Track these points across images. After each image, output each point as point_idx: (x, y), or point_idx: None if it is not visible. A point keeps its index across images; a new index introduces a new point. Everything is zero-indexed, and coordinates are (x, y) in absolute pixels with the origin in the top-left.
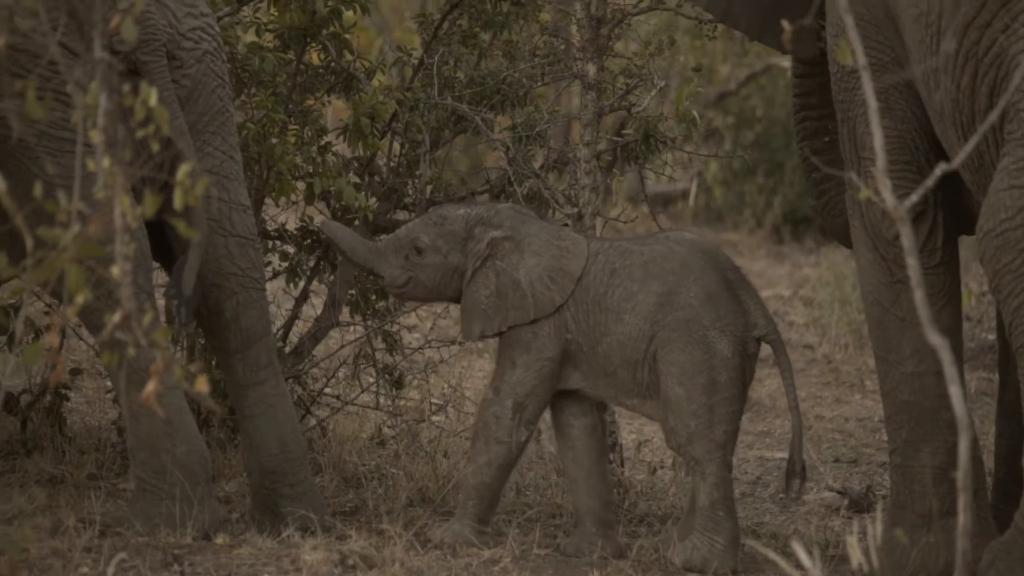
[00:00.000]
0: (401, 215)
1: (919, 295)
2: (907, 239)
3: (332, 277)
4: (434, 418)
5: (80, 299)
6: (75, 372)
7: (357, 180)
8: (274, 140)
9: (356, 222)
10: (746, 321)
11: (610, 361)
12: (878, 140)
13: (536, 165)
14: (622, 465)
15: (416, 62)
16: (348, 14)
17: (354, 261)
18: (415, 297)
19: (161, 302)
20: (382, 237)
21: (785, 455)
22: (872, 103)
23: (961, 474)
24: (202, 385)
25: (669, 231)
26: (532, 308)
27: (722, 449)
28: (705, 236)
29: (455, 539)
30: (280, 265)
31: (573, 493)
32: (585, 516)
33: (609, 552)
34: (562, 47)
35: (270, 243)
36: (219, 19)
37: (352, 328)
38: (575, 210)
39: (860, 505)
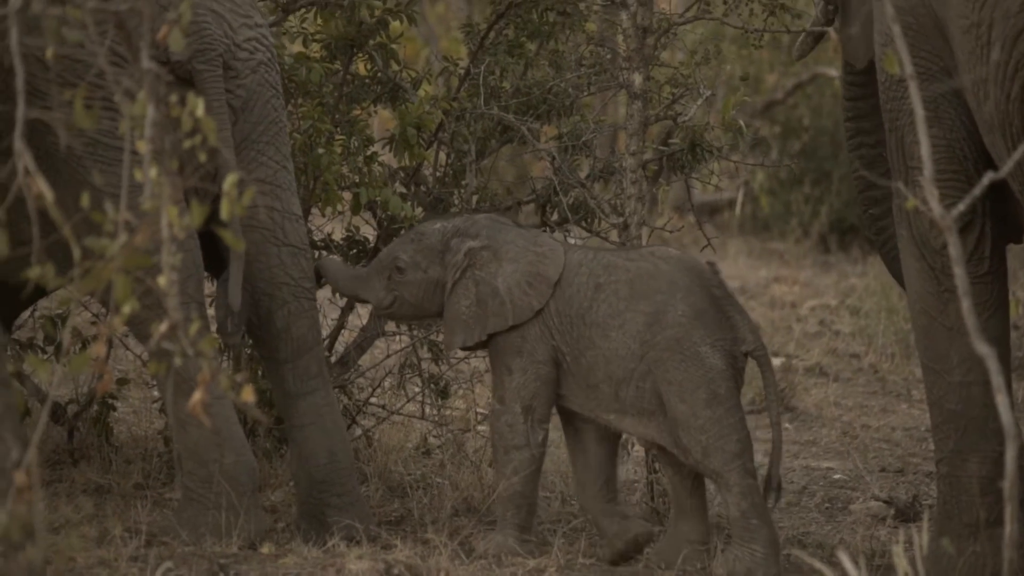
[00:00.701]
0: None
1: (966, 304)
2: (954, 248)
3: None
4: (479, 428)
5: (127, 309)
6: (122, 382)
7: (403, 190)
8: (320, 150)
9: (401, 232)
10: (734, 336)
11: (592, 374)
12: (925, 149)
13: (582, 175)
14: (655, 471)
15: (462, 72)
16: (395, 24)
17: (341, 292)
18: (403, 317)
19: (211, 312)
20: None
21: (831, 464)
22: (919, 112)
23: (1008, 484)
24: (248, 395)
25: (653, 247)
26: (511, 314)
27: (739, 458)
28: (688, 253)
29: (499, 549)
30: None
31: (580, 496)
32: (589, 511)
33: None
34: (608, 57)
35: (316, 253)
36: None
37: (398, 338)
38: (621, 220)
39: (906, 515)
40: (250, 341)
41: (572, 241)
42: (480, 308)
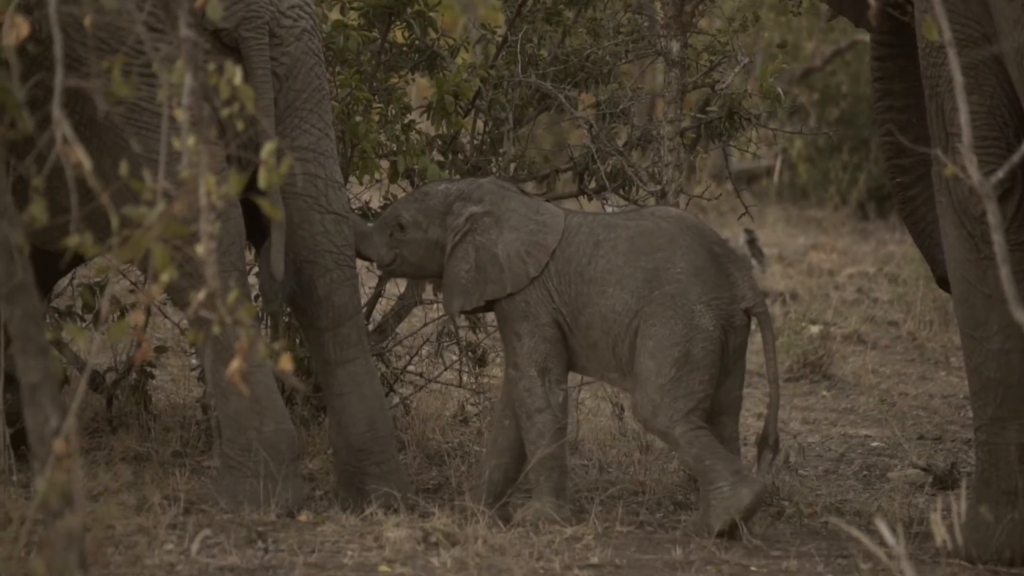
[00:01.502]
0: None
1: (1005, 271)
2: (993, 215)
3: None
4: None
5: (165, 277)
6: (160, 350)
7: (441, 158)
8: (358, 118)
9: None
10: (733, 294)
11: (591, 332)
12: (964, 116)
13: (620, 143)
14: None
15: (500, 40)
16: None
17: None
18: (403, 274)
19: (253, 281)
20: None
21: (869, 432)
22: (958, 79)
23: None
24: (286, 363)
25: (654, 207)
26: (509, 282)
27: (685, 414)
28: (689, 212)
29: (536, 517)
30: None
31: (487, 456)
32: (484, 482)
33: (496, 516)
34: (646, 24)
35: None
36: None
37: (435, 306)
38: (658, 187)
39: (945, 482)
40: (289, 309)
41: (609, 209)
42: (479, 273)
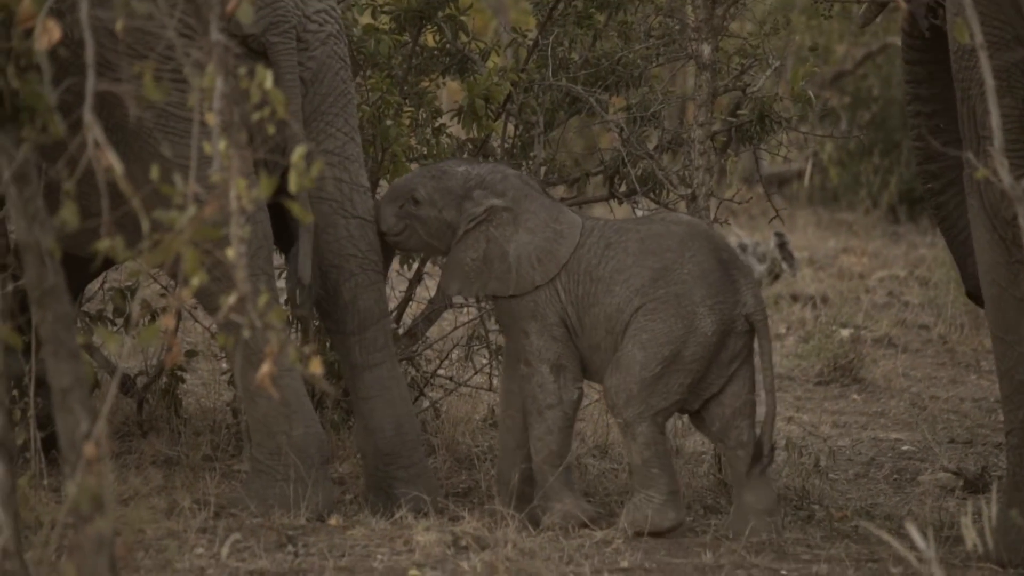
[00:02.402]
0: None
1: None
2: None
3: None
4: None
5: (195, 281)
6: (190, 354)
7: None
8: (389, 122)
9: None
10: (736, 299)
11: (595, 333)
12: (995, 119)
13: (650, 146)
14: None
15: (531, 43)
16: None
17: None
18: (409, 247)
19: (281, 285)
20: None
21: (900, 435)
22: (989, 81)
23: None
24: (316, 367)
25: (665, 212)
26: (513, 283)
27: (653, 411)
28: (698, 219)
29: (564, 519)
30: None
31: (500, 459)
32: (503, 486)
33: (528, 523)
34: (677, 28)
35: None
36: (338, 2)
37: (466, 309)
38: (689, 191)
39: (975, 486)
40: (317, 313)
41: (640, 213)
42: (485, 266)
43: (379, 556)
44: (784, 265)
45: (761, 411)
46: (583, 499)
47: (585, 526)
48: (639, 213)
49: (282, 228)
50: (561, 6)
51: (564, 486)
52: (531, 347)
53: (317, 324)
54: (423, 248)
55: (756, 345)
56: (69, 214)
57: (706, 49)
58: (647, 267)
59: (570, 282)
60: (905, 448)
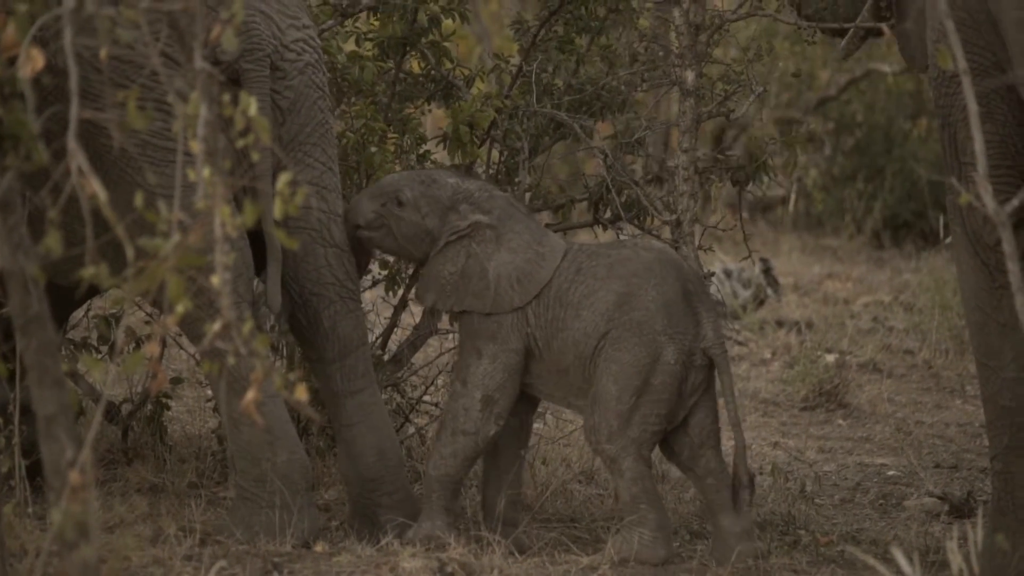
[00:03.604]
0: None
1: (1020, 300)
2: (1008, 244)
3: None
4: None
5: (180, 308)
6: (175, 381)
7: None
8: (373, 149)
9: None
10: (697, 332)
11: (563, 357)
12: (978, 144)
13: (636, 174)
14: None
15: (514, 69)
16: (447, 22)
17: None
18: (381, 245)
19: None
20: None
21: (885, 460)
22: (972, 107)
23: None
24: (301, 393)
25: (639, 239)
26: (490, 302)
27: (636, 445)
28: (668, 248)
29: (428, 537)
30: (379, 274)
31: (484, 487)
32: (489, 513)
33: (513, 547)
34: (661, 54)
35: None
36: (321, 32)
37: (451, 335)
38: (673, 217)
39: (961, 511)
40: (297, 342)
41: (624, 239)
42: (463, 281)
43: None
44: (769, 291)
45: (729, 444)
46: (452, 527)
47: (440, 548)
48: (624, 239)
49: (254, 255)
50: (542, 32)
51: (443, 509)
52: (477, 369)
53: (299, 352)
54: (394, 250)
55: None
56: (53, 242)
57: (690, 75)
58: (612, 291)
59: (540, 307)
60: (891, 473)
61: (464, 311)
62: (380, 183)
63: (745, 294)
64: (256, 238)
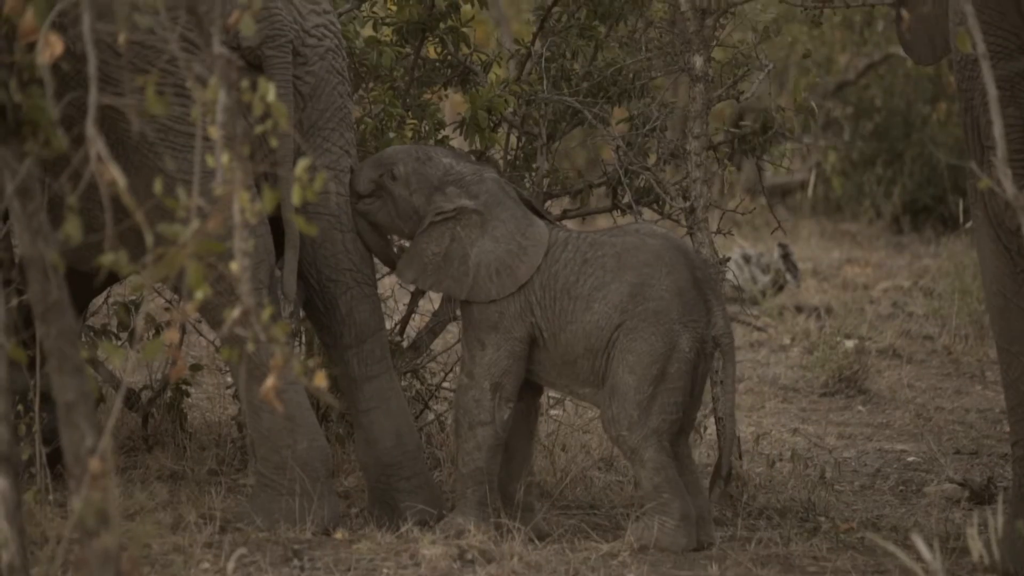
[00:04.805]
0: None
1: None
2: None
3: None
4: (551, 412)
5: (199, 295)
6: (195, 368)
7: None
8: (392, 134)
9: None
10: (708, 320)
11: (572, 350)
12: (998, 128)
13: (652, 158)
14: (740, 458)
15: (528, 54)
16: (466, 8)
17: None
18: (377, 218)
19: None
20: None
21: (905, 446)
22: (992, 91)
23: None
24: (321, 380)
25: (639, 224)
26: (467, 289)
27: (657, 435)
28: (673, 233)
29: (458, 532)
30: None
31: (503, 473)
32: (508, 500)
33: (533, 534)
34: (669, 40)
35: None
36: (338, 16)
37: None
38: (688, 203)
39: (981, 497)
40: (314, 328)
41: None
42: (444, 263)
43: (385, 570)
44: (788, 276)
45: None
46: (488, 518)
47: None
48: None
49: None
50: (564, 18)
51: (478, 504)
52: (483, 359)
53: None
54: (389, 224)
55: (720, 368)
56: (72, 228)
57: (698, 60)
58: (625, 282)
59: (546, 298)
60: (911, 459)
61: (462, 303)
62: (382, 153)
63: (764, 279)
64: (275, 224)
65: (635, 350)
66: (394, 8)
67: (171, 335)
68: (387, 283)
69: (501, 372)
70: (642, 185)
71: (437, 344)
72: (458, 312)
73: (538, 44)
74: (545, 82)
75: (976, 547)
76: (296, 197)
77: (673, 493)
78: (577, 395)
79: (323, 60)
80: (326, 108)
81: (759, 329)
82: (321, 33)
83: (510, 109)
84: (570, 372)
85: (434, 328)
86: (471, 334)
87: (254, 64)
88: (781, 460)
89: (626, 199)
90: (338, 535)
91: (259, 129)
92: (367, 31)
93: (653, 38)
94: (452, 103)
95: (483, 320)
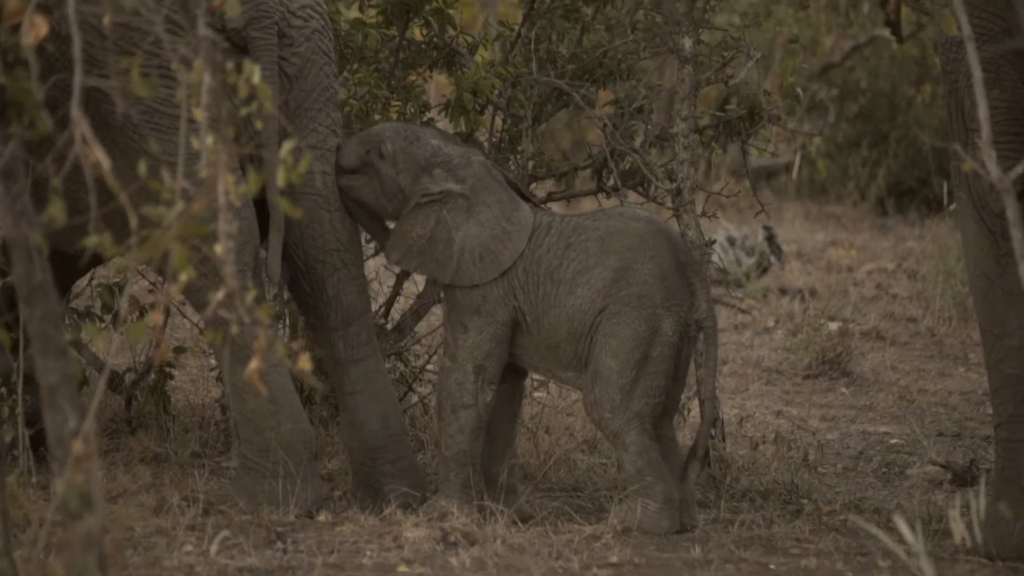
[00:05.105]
0: None
1: (1023, 268)
2: (1012, 211)
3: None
4: (535, 394)
5: (184, 277)
6: (179, 350)
7: None
8: (377, 116)
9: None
10: (691, 304)
11: (555, 334)
12: (982, 111)
13: (638, 140)
14: (724, 440)
15: (516, 36)
16: None
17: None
18: (362, 195)
19: None
20: None
21: (888, 429)
22: (977, 73)
23: None
24: (304, 363)
25: (622, 208)
26: (451, 273)
27: (639, 418)
28: (656, 216)
29: (442, 514)
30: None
31: (486, 456)
32: (491, 483)
33: (516, 517)
34: (659, 21)
35: None
36: None
37: None
38: (674, 185)
39: (964, 479)
40: (300, 309)
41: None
42: (429, 245)
43: (368, 552)
44: (772, 258)
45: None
46: (471, 500)
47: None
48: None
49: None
50: (550, 0)
51: (461, 487)
52: (465, 342)
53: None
54: (373, 202)
55: (703, 350)
56: (56, 210)
57: (687, 42)
58: (608, 266)
59: (528, 283)
60: (893, 441)
61: (445, 287)
62: (371, 130)
63: (748, 262)
64: (260, 206)
65: (618, 334)
66: None
67: (155, 317)
68: (372, 265)
69: (484, 355)
70: (627, 167)
71: (421, 326)
72: (441, 295)
73: (526, 28)
74: (534, 64)
75: (958, 529)
76: (281, 179)
77: (656, 476)
78: (560, 379)
79: (309, 41)
80: (312, 89)
81: (743, 311)
82: (307, 14)
83: (496, 91)
84: (553, 356)
85: (418, 310)
86: (454, 317)
87: (240, 46)
88: (764, 442)
89: (611, 181)
90: (321, 517)
91: (244, 111)
92: (352, 12)
93: (640, 20)
94: (437, 85)
95: (466, 303)
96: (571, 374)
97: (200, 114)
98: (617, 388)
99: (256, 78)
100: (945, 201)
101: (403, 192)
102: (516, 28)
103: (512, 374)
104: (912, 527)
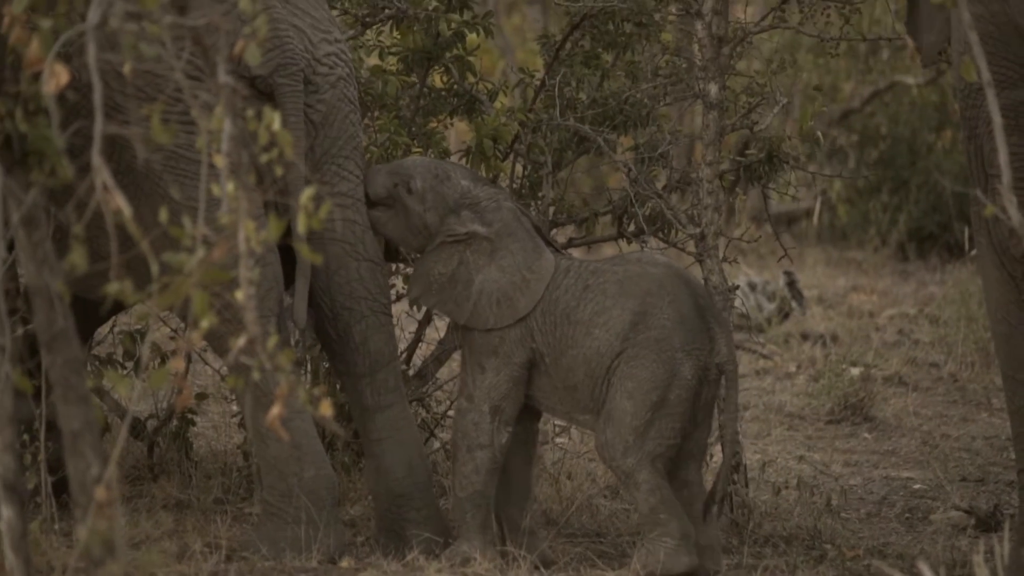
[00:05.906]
0: None
1: None
2: None
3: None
4: (557, 440)
5: (205, 324)
6: (201, 397)
7: None
8: None
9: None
10: (711, 348)
11: (572, 375)
12: (1003, 156)
13: (659, 185)
14: (747, 486)
15: (538, 83)
16: (471, 36)
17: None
18: (387, 228)
19: None
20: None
21: (911, 474)
22: (997, 119)
23: None
24: (326, 408)
25: (640, 253)
26: (467, 315)
27: (651, 457)
28: (674, 261)
29: (464, 559)
30: (404, 288)
31: (508, 502)
32: (513, 528)
33: (538, 562)
34: (684, 67)
35: (394, 266)
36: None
37: None
38: (697, 230)
39: (987, 524)
40: (327, 356)
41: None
42: (449, 285)
43: None
44: (794, 304)
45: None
46: (492, 542)
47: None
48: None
49: (289, 270)
50: (569, 46)
51: (480, 529)
52: (483, 383)
53: (328, 366)
54: (396, 235)
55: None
56: (78, 257)
57: (713, 88)
58: (627, 309)
59: (546, 324)
60: (917, 487)
61: (464, 328)
62: (401, 162)
63: (770, 307)
64: (287, 251)
65: (635, 376)
66: (399, 37)
67: (177, 364)
68: (393, 311)
69: (501, 396)
70: (648, 213)
71: (443, 372)
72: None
73: (542, 72)
74: (557, 108)
75: (982, 574)
76: (302, 225)
77: (670, 513)
78: (577, 421)
79: (335, 88)
80: (338, 136)
81: (765, 357)
82: (332, 62)
83: (514, 136)
84: (571, 398)
85: (440, 356)
86: (472, 358)
87: (265, 93)
88: (787, 487)
89: (632, 227)
90: (344, 563)
91: (264, 158)
92: (372, 60)
93: (662, 66)
94: (458, 131)
95: (484, 345)
96: (588, 417)
97: (220, 160)
98: (631, 429)
99: (277, 125)
100: (966, 246)
101: (428, 229)
102: (537, 75)
103: (526, 417)
104: (936, 572)
